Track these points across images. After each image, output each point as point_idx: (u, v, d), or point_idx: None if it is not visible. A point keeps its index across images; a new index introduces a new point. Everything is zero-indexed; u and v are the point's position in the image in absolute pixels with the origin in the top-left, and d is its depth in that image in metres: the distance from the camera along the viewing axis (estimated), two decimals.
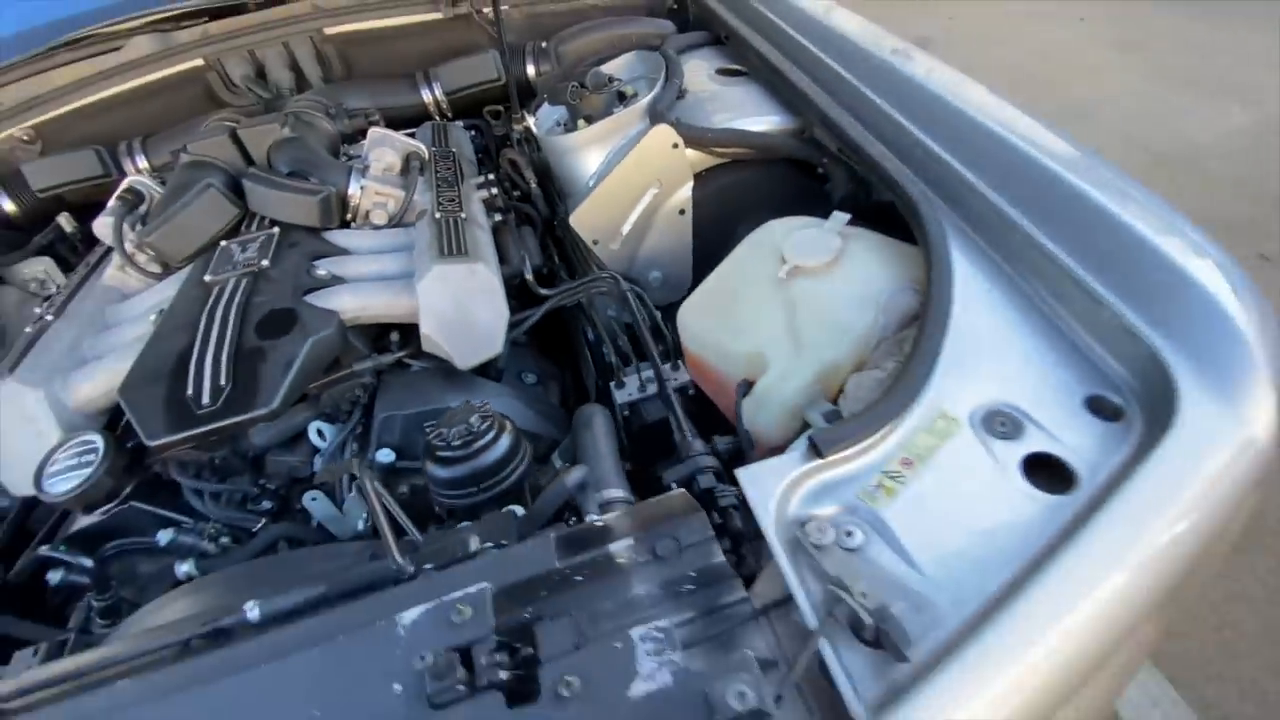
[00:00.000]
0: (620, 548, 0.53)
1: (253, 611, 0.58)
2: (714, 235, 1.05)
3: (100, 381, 0.86)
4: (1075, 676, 0.44)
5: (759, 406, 0.75)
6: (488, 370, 1.01)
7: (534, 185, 1.24)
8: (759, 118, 1.05)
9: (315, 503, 0.86)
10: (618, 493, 0.70)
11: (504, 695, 0.43)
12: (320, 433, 0.89)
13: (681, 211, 1.06)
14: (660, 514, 0.56)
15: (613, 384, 0.94)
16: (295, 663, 0.47)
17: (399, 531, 0.65)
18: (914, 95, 0.90)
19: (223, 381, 0.77)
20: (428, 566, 0.55)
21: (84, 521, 0.83)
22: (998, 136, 0.80)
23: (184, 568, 0.82)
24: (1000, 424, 0.59)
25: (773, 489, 0.55)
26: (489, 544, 0.55)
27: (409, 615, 0.47)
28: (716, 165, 1.04)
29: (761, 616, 0.52)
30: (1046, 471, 0.57)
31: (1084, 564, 0.46)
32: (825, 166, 1.00)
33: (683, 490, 0.56)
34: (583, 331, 1.09)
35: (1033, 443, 0.58)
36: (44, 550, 0.80)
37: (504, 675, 0.45)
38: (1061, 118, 3.49)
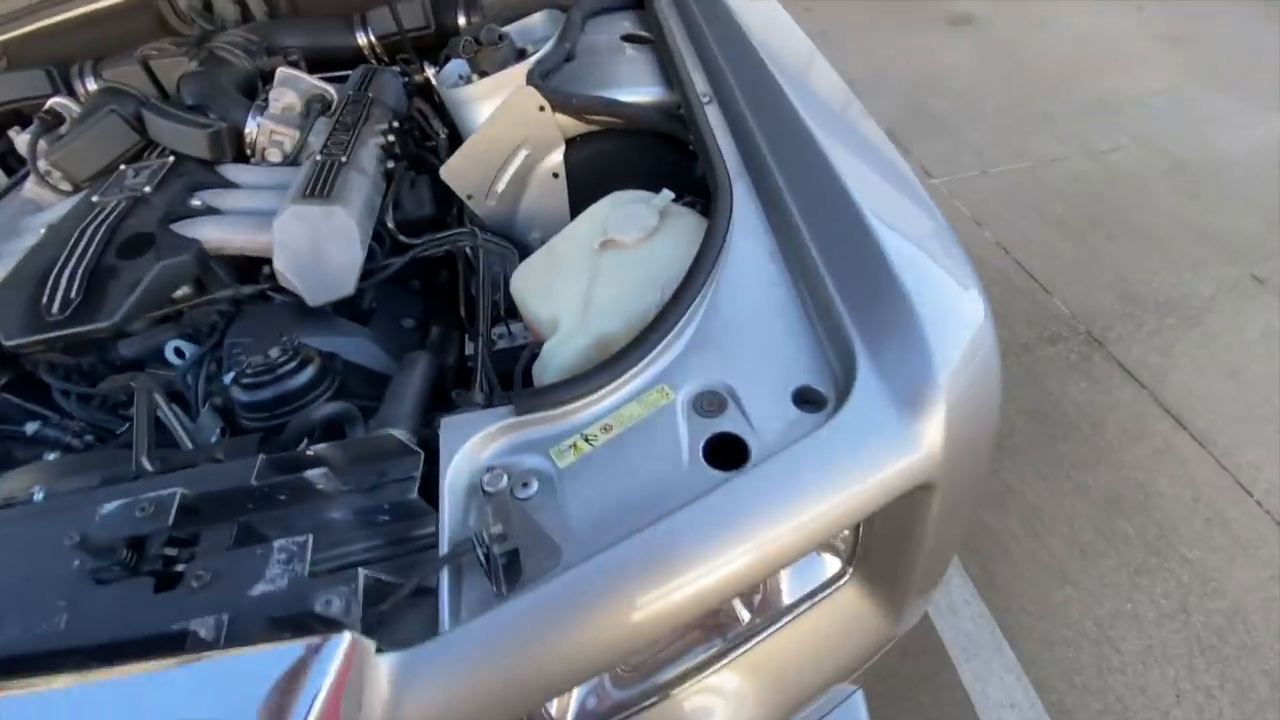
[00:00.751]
0: (318, 475, 0.59)
1: (38, 494, 0.67)
2: (588, 200, 1.07)
3: None
4: (639, 629, 0.49)
5: (544, 367, 0.79)
6: (356, 311, 1.07)
7: (443, 135, 1.28)
8: (640, 88, 1.06)
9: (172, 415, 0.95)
10: (398, 433, 0.76)
11: (155, 581, 0.50)
12: (179, 351, 0.97)
13: (555, 175, 1.09)
14: (374, 451, 0.62)
15: (466, 336, 1.00)
16: (14, 528, 0.56)
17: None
18: (767, 95, 0.90)
19: (73, 294, 0.85)
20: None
21: None
22: (819, 153, 0.78)
23: (51, 458, 0.92)
24: (707, 403, 0.63)
25: (466, 438, 0.60)
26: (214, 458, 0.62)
27: (108, 506, 0.55)
28: (590, 132, 1.06)
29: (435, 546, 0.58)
30: (733, 450, 0.60)
31: (676, 527, 0.50)
32: (692, 143, 1.02)
33: (393, 432, 0.62)
34: (465, 284, 1.14)
35: (726, 423, 0.61)
36: None
37: (178, 567, 0.53)
38: (1086, 110, 3.35)
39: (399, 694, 0.44)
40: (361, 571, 0.49)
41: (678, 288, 0.70)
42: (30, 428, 0.92)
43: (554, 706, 0.63)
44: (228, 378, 0.92)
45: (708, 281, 0.70)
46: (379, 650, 0.43)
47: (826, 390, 0.63)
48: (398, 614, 0.51)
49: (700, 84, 1.00)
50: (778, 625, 0.68)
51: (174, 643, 0.46)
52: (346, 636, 0.41)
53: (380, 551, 0.59)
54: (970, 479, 0.65)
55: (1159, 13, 4.24)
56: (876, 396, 0.57)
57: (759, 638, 0.68)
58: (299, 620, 0.46)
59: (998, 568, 1.74)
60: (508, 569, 0.52)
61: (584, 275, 0.83)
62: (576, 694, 0.65)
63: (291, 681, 0.39)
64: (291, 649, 0.40)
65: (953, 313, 0.64)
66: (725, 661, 0.67)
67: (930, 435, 0.57)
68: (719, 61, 0.99)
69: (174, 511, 0.54)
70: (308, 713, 0.38)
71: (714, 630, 0.68)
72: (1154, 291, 2.41)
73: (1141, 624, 1.62)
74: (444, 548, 0.53)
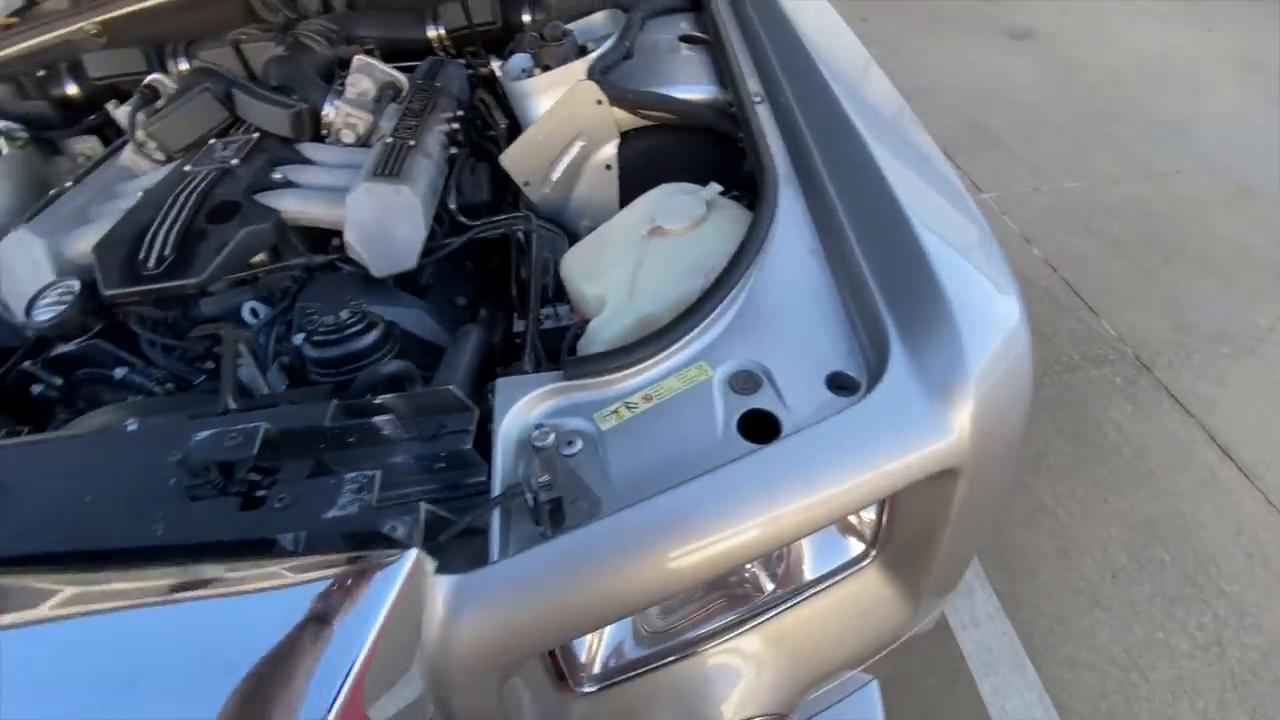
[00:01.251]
0: (385, 421, 0.65)
1: (131, 426, 0.75)
2: (637, 193, 1.12)
3: (90, 240, 1.04)
4: (669, 576, 0.53)
5: (589, 342, 0.84)
6: (415, 285, 1.14)
7: (503, 126, 1.34)
8: (694, 86, 1.10)
9: (243, 368, 1.03)
10: (456, 389, 0.82)
11: (241, 501, 0.57)
12: (254, 311, 1.05)
13: (608, 167, 1.13)
14: (434, 404, 0.68)
15: (516, 314, 1.06)
16: (118, 449, 0.63)
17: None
18: (817, 97, 0.93)
19: (167, 252, 0.93)
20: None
21: (61, 349, 1.02)
22: (867, 154, 0.80)
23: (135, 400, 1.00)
24: (743, 382, 0.67)
25: (518, 397, 0.65)
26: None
27: (200, 435, 0.61)
28: (644, 127, 1.11)
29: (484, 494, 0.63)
30: (766, 425, 0.64)
31: (708, 487, 0.54)
32: (742, 140, 1.05)
33: (451, 388, 0.67)
34: (516, 267, 1.20)
35: (760, 401, 0.65)
36: (26, 365, 1.00)
37: (260, 492, 0.59)
38: (1148, 132, 3.27)
39: (453, 613, 0.49)
40: (423, 505, 0.55)
41: (721, 273, 0.73)
42: (119, 373, 1.01)
43: (584, 653, 0.68)
44: (297, 338, 1.00)
45: (749, 269, 0.74)
46: (438, 571, 0.48)
47: (859, 377, 0.66)
48: (451, 549, 0.56)
49: (753, 85, 1.04)
50: (799, 598, 0.72)
51: (260, 549, 0.51)
52: (413, 552, 0.46)
53: (435, 495, 0.65)
54: (996, 473, 0.67)
55: (1228, 36, 4.09)
56: (907, 382, 0.60)
57: (781, 608, 0.71)
58: (368, 539, 0.51)
59: (1024, 586, 1.72)
60: (552, 514, 0.56)
61: (631, 259, 0.88)
62: (604, 646, 0.70)
63: (361, 587, 0.44)
64: (364, 559, 0.45)
65: (988, 313, 0.66)
66: (747, 628, 0.71)
67: (958, 423, 0.59)
68: (772, 64, 1.02)
69: (258, 442, 0.60)
70: (376, 616, 0.43)
71: (739, 599, 0.72)
72: (1209, 319, 2.35)
73: (1173, 654, 1.59)
74: (496, 491, 0.58)
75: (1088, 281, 2.51)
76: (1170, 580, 1.71)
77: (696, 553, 0.54)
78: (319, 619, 0.43)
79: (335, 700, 0.39)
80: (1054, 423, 2.05)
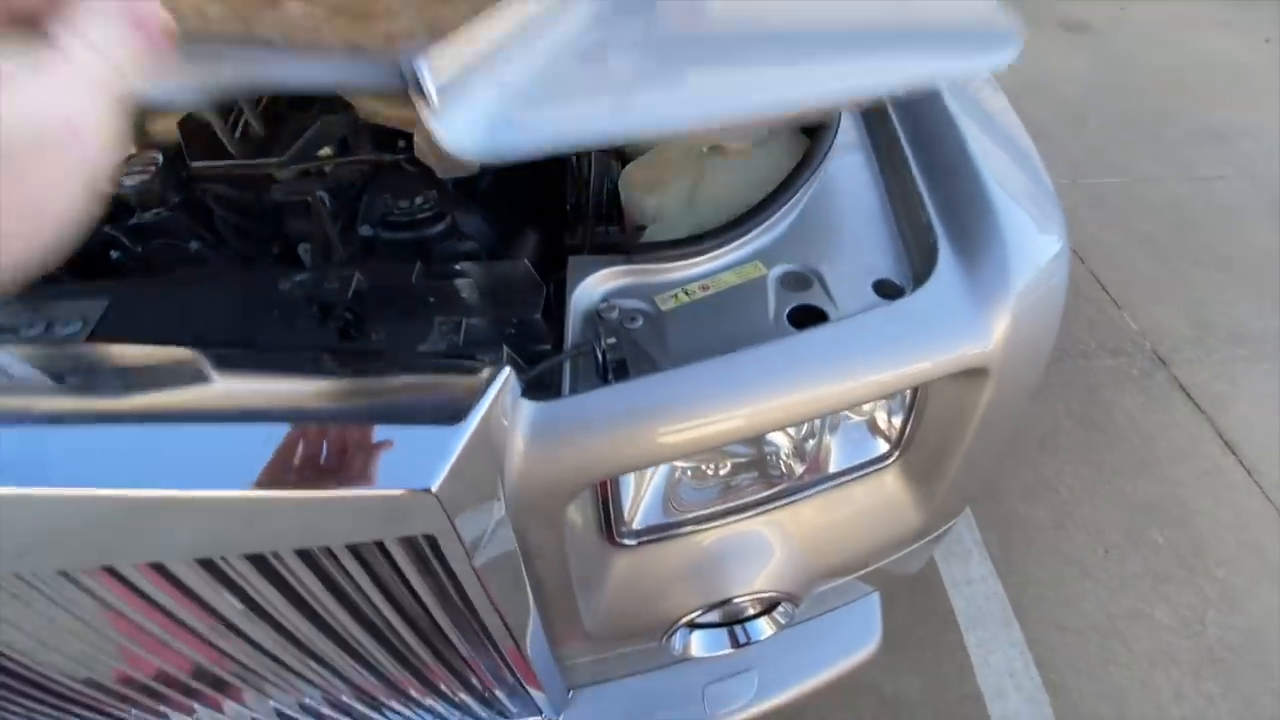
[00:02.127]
0: (465, 284, 0.70)
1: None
2: None
3: (171, 119, 1.09)
4: (711, 429, 0.59)
5: None
6: (472, 193, 1.19)
7: None
8: None
9: (307, 253, 1.09)
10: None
11: (339, 331, 0.63)
12: (323, 201, 1.10)
13: None
14: (508, 276, 0.73)
15: (566, 231, 1.11)
16: (220, 287, 0.69)
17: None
18: None
19: (251, 131, 0.99)
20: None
21: (141, 218, 1.08)
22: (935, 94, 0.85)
23: None
24: (794, 281, 0.72)
25: (588, 274, 0.70)
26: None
27: (300, 276, 0.67)
28: None
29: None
30: (814, 318, 0.69)
31: (756, 355, 0.60)
32: None
33: (526, 263, 0.73)
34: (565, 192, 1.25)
35: (810, 298, 0.70)
36: (107, 229, 1.06)
37: (354, 331, 0.65)
38: (1193, 136, 3.23)
39: (533, 435, 0.55)
40: (505, 347, 0.61)
41: (780, 182, 0.78)
42: (194, 245, 1.08)
43: (626, 508, 0.74)
44: (363, 229, 1.05)
45: (809, 181, 0.79)
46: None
47: (904, 285, 0.71)
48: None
49: None
50: (823, 487, 0.78)
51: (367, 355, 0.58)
52: (509, 369, 0.52)
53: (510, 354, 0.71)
54: (1018, 386, 0.72)
55: None
56: (954, 285, 0.65)
57: (805, 493, 0.77)
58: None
59: (1018, 553, 1.78)
60: (617, 372, 0.62)
61: (690, 174, 0.92)
62: (643, 510, 0.76)
63: (466, 392, 0.50)
64: (469, 370, 0.51)
65: (1034, 239, 0.71)
66: (772, 507, 0.77)
67: (996, 330, 0.64)
68: None
69: (353, 287, 0.66)
70: (477, 412, 0.49)
71: (768, 481, 0.78)
72: (1231, 322, 2.36)
73: (1156, 628, 1.65)
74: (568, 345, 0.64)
75: (1114, 275, 2.53)
76: (1162, 560, 1.77)
77: (738, 412, 0.59)
78: (424, 409, 0.49)
79: (441, 470, 0.46)
80: (1065, 405, 2.09)
